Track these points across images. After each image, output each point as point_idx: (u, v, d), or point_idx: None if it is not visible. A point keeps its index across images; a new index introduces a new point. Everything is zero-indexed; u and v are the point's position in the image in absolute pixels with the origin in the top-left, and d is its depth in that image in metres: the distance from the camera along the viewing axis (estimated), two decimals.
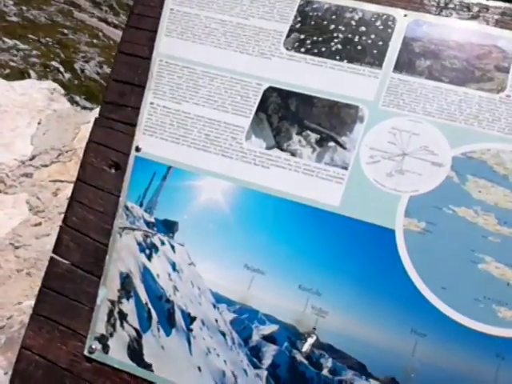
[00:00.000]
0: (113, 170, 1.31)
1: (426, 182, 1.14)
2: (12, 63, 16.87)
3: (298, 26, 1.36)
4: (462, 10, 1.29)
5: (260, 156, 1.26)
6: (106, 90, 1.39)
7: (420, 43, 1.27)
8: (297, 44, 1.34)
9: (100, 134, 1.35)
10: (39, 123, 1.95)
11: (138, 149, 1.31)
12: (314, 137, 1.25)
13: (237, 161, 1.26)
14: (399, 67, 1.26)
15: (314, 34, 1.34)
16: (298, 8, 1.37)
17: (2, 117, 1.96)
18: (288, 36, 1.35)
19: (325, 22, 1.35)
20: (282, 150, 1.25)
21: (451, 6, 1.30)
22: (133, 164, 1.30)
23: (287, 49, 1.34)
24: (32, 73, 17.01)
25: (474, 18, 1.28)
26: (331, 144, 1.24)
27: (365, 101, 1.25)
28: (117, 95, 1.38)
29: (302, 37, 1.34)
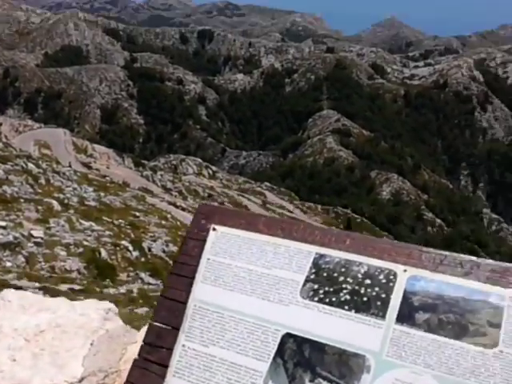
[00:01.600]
0: None
1: None
2: (85, 242, 18.42)
3: (312, 276, 1.56)
4: (456, 267, 1.46)
5: None
6: (147, 331, 1.61)
7: (418, 297, 1.43)
8: (311, 293, 1.53)
9: (136, 375, 1.53)
10: (91, 344, 2.16)
11: None
12: None
13: None
14: (400, 319, 1.40)
15: (325, 284, 1.53)
16: (313, 260, 1.59)
17: (61, 337, 2.20)
18: (304, 285, 1.55)
19: (335, 274, 1.55)
20: None
21: (446, 262, 1.48)
22: None
23: (303, 297, 1.53)
24: (102, 251, 18.36)
25: (467, 274, 1.44)
26: None
27: (371, 351, 1.37)
28: (155, 337, 1.59)
29: (316, 287, 1.54)
